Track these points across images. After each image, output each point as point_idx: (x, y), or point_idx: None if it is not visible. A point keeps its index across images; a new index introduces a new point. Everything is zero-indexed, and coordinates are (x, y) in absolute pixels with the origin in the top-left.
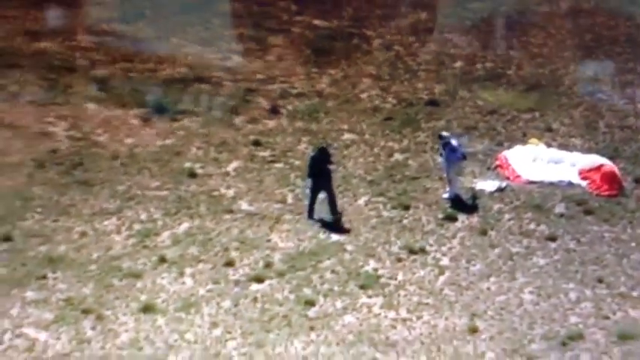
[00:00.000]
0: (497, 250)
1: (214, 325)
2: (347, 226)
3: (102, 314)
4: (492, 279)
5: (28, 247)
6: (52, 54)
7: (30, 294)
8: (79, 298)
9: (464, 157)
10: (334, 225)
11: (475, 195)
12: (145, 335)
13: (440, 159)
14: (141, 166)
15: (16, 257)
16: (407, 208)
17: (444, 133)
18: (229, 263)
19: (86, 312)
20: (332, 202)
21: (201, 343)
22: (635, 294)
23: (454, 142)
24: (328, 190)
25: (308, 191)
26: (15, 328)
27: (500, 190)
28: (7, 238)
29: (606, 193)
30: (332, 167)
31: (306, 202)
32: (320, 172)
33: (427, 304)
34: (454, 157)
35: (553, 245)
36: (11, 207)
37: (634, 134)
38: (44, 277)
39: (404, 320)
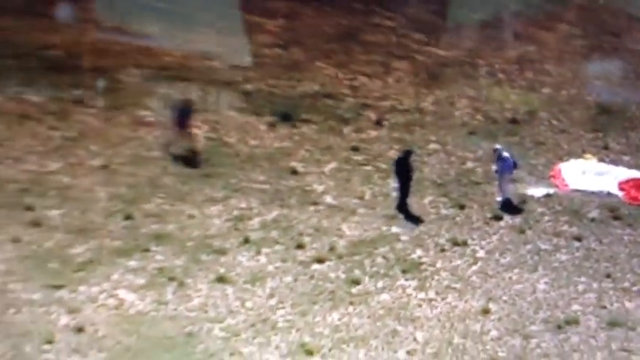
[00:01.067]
0: (528, 247)
1: (271, 296)
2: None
3: (184, 282)
4: (516, 270)
5: (143, 225)
6: (215, 70)
7: (132, 263)
8: (169, 268)
9: (515, 166)
10: (398, 218)
11: (524, 200)
12: (213, 301)
13: (494, 168)
14: (255, 163)
15: (131, 233)
16: (462, 207)
17: (497, 146)
18: (300, 246)
19: (172, 279)
20: (403, 197)
21: (255, 310)
22: (635, 288)
23: (505, 153)
24: (405, 186)
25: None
26: (111, 290)
27: (547, 196)
28: (129, 217)
29: (638, 202)
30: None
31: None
32: (402, 170)
33: (454, 288)
34: (505, 166)
35: (577, 244)
36: (140, 192)
37: None
38: (147, 249)
39: (430, 300)
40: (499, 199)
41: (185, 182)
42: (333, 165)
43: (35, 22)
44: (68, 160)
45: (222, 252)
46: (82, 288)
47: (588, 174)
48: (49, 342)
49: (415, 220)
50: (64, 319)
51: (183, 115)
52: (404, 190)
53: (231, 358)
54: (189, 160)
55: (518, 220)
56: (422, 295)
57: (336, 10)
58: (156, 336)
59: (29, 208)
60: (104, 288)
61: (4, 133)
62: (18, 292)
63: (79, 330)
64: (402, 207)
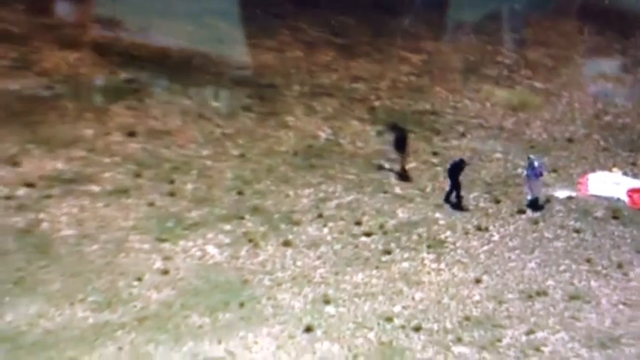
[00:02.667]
0: (535, 235)
1: (318, 258)
2: (451, 209)
3: (258, 243)
4: (517, 252)
5: (248, 199)
6: (355, 90)
7: (227, 226)
8: (252, 232)
9: (541, 174)
10: (446, 206)
11: (549, 199)
12: (273, 259)
13: (525, 172)
14: (353, 160)
15: (236, 204)
16: (498, 202)
17: (531, 156)
18: (358, 223)
19: (250, 241)
20: (450, 192)
21: (301, 268)
22: (604, 271)
23: (536, 163)
24: (453, 184)
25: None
26: (202, 245)
27: (569, 198)
28: (240, 193)
29: (638, 207)
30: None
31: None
32: (453, 172)
33: (462, 262)
34: (533, 173)
35: (574, 235)
36: (258, 175)
37: None
38: (242, 217)
39: (439, 270)
40: (529, 197)
41: (294, 170)
42: (413, 164)
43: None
44: (217, 149)
45: (297, 223)
46: (181, 242)
47: (607, 183)
48: (139, 279)
49: (457, 209)
50: (157, 264)
51: (400, 139)
52: (453, 186)
53: (267, 302)
54: (404, 176)
55: (537, 215)
56: (434, 265)
57: (469, 49)
58: (219, 281)
59: (171, 182)
60: (197, 243)
61: (178, 125)
62: (133, 242)
63: (165, 272)
64: (448, 199)
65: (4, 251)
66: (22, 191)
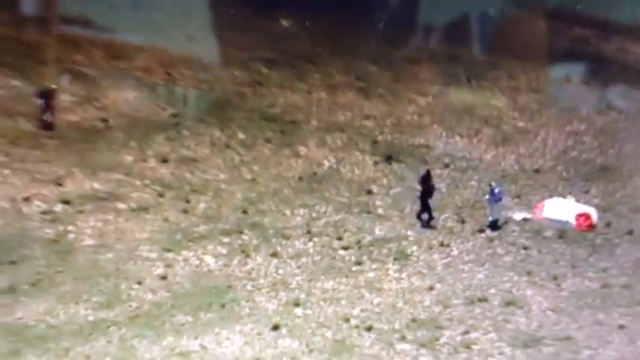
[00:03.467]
0: (489, 251)
1: (298, 267)
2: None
3: (249, 254)
4: (470, 264)
5: (250, 217)
6: (364, 127)
7: (226, 239)
8: (246, 245)
9: (500, 199)
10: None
11: (507, 221)
12: (259, 268)
13: (487, 197)
14: (349, 185)
15: (239, 221)
16: (463, 222)
17: (493, 183)
18: (339, 238)
19: (242, 252)
20: (421, 212)
21: (282, 275)
22: (540, 282)
23: (497, 189)
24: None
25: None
26: (200, 255)
27: (524, 219)
28: (245, 211)
29: (582, 229)
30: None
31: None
32: (424, 196)
33: (421, 272)
34: (494, 198)
35: (523, 252)
36: (262, 197)
37: None
38: (242, 232)
39: (399, 279)
40: (490, 219)
41: (295, 193)
42: (397, 190)
43: None
44: (233, 174)
45: (287, 237)
46: (184, 252)
47: (560, 208)
48: (139, 283)
49: (427, 227)
50: (159, 270)
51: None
52: (424, 206)
53: (245, 304)
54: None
55: (494, 234)
56: (397, 275)
57: (469, 94)
58: (208, 285)
59: (187, 201)
60: (197, 253)
61: (205, 153)
62: (143, 251)
63: (163, 278)
64: (419, 217)
65: (29, 257)
66: (59, 207)
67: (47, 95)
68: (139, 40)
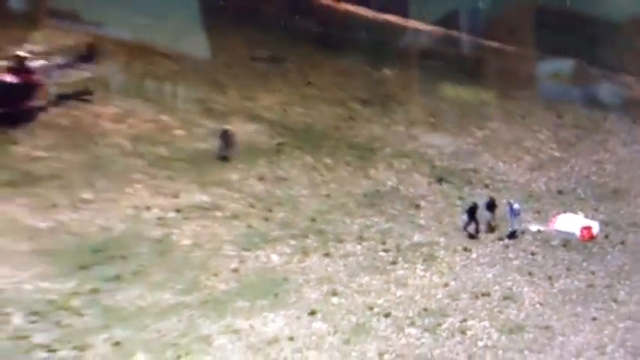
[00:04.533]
0: (502, 255)
1: (344, 265)
2: (453, 235)
3: (308, 254)
4: (483, 266)
5: (317, 225)
6: (428, 154)
7: (293, 242)
8: (308, 247)
9: (518, 213)
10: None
11: (523, 231)
12: (311, 265)
13: (506, 210)
14: (403, 200)
15: (308, 228)
16: (493, 230)
17: (511, 200)
18: (383, 243)
19: (304, 252)
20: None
21: (328, 273)
22: (537, 282)
23: (515, 205)
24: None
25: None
26: (269, 253)
27: (538, 231)
28: (313, 220)
29: (584, 239)
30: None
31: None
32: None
33: (442, 272)
34: (513, 212)
35: (529, 256)
36: (332, 210)
37: None
38: (306, 236)
39: (423, 277)
40: (509, 229)
41: (358, 207)
42: (440, 205)
43: None
44: (313, 190)
45: (341, 241)
46: (258, 251)
47: (569, 221)
48: (215, 275)
49: (472, 237)
50: (233, 265)
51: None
52: (469, 220)
53: (293, 294)
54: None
55: (511, 242)
56: (422, 273)
57: (522, 131)
58: (268, 278)
59: (270, 211)
60: (267, 252)
61: (295, 174)
62: (226, 250)
63: (235, 271)
64: (464, 228)
65: (136, 253)
66: (170, 214)
67: (227, 136)
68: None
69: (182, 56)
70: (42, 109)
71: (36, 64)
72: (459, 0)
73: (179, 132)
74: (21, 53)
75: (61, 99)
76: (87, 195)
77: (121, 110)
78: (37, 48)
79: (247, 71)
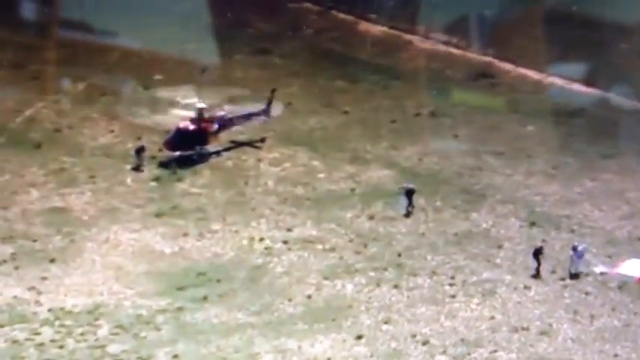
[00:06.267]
0: (557, 294)
1: (407, 297)
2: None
3: (380, 285)
4: (536, 303)
5: (400, 259)
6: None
7: (372, 274)
8: (382, 279)
9: (582, 255)
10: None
11: (588, 273)
12: (379, 296)
13: (571, 253)
14: (488, 241)
15: (390, 262)
16: (554, 272)
17: (576, 243)
18: (452, 277)
19: (377, 284)
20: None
21: (390, 302)
22: (579, 319)
23: (580, 247)
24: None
25: None
26: (346, 283)
27: (602, 273)
28: (399, 255)
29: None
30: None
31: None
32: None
33: (494, 306)
34: (577, 254)
35: (583, 296)
36: (419, 246)
37: None
38: (385, 269)
39: (474, 309)
40: (572, 270)
41: (447, 245)
42: (522, 247)
43: None
44: (409, 228)
45: (415, 275)
46: (336, 280)
47: (634, 266)
48: (290, 300)
49: (534, 277)
50: (309, 292)
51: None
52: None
53: (351, 319)
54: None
55: (572, 282)
56: (475, 307)
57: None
58: (334, 305)
59: (365, 246)
60: (344, 282)
61: (400, 216)
62: (309, 278)
63: (309, 297)
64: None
65: (232, 277)
66: (278, 245)
67: (140, 150)
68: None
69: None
70: (215, 153)
71: (216, 114)
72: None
73: (321, 175)
74: (200, 104)
75: (236, 145)
76: (216, 226)
77: (281, 155)
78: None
79: (407, 124)
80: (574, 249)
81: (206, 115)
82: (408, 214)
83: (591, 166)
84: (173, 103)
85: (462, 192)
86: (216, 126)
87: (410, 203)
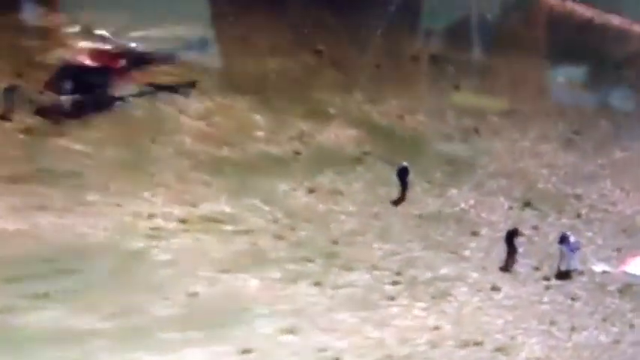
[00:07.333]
0: (534, 298)
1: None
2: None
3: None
4: (502, 310)
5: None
6: None
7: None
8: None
9: (578, 248)
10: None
11: (582, 271)
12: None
13: (560, 247)
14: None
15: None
16: (537, 269)
17: (567, 232)
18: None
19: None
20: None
21: None
22: (554, 329)
23: (572, 239)
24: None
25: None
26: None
27: (604, 272)
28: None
29: None
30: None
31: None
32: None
33: (444, 312)
34: (569, 248)
35: (568, 302)
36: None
37: None
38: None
39: (414, 317)
40: (562, 268)
41: (402, 230)
42: (502, 234)
43: None
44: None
45: (351, 269)
46: (240, 274)
47: None
48: (165, 299)
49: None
50: (196, 288)
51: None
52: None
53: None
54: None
55: (559, 283)
56: (419, 313)
57: None
58: (208, 308)
59: (292, 229)
60: (250, 275)
61: None
62: (202, 271)
63: (192, 295)
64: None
65: (86, 268)
66: (172, 225)
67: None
68: None
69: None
70: (119, 99)
71: (126, 47)
72: None
73: (259, 133)
74: (104, 33)
75: (153, 90)
76: (93, 197)
77: (212, 105)
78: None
79: (395, 71)
80: (563, 239)
81: (112, 46)
82: (398, 201)
83: (628, 129)
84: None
85: (445, 161)
86: (123, 62)
87: (404, 187)
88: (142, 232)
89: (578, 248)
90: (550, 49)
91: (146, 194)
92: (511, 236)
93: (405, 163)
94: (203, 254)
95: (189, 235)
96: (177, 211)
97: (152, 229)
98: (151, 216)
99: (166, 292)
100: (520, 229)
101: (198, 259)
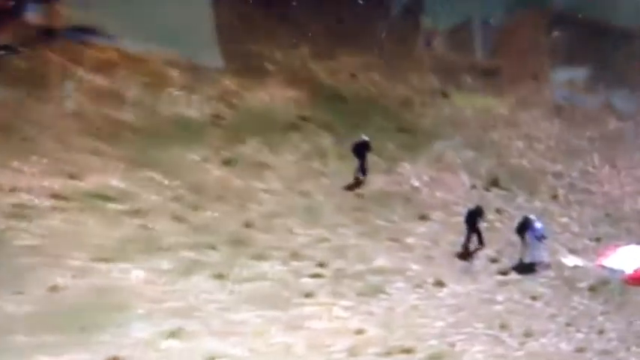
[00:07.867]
0: (485, 296)
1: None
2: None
3: None
4: (442, 310)
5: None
6: None
7: None
8: None
9: (543, 237)
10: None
11: (549, 264)
12: None
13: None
14: None
15: None
16: (495, 261)
17: (531, 216)
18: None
19: None
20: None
21: None
22: (504, 335)
23: (537, 224)
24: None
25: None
26: None
27: (575, 267)
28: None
29: (630, 282)
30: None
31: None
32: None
33: (372, 313)
34: (534, 234)
35: (527, 301)
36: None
37: None
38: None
39: (333, 318)
40: (525, 260)
41: (335, 212)
42: (458, 218)
43: None
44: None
45: (265, 259)
46: (122, 264)
47: (629, 256)
48: (19, 293)
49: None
50: (58, 279)
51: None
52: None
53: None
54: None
55: (519, 277)
56: (339, 314)
57: None
58: (72, 304)
59: (195, 209)
60: (135, 265)
61: None
62: (71, 259)
63: (52, 289)
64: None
65: None
66: (39, 202)
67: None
68: None
69: None
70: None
71: None
72: None
73: (174, 92)
74: None
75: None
76: None
77: (124, 60)
78: None
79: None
80: (525, 225)
81: None
82: (356, 184)
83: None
84: None
85: (402, 130)
86: (11, 3)
87: (362, 166)
88: (6, 209)
89: (544, 236)
90: None
91: (14, 164)
92: (473, 217)
93: (364, 137)
94: (77, 239)
95: (63, 216)
96: (54, 184)
97: (14, 206)
98: (12, 190)
99: (22, 285)
100: (481, 207)
101: (70, 245)
